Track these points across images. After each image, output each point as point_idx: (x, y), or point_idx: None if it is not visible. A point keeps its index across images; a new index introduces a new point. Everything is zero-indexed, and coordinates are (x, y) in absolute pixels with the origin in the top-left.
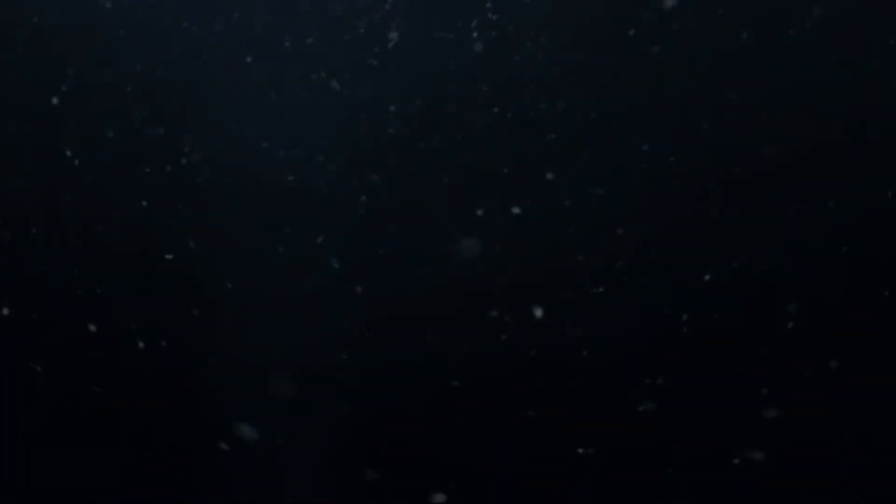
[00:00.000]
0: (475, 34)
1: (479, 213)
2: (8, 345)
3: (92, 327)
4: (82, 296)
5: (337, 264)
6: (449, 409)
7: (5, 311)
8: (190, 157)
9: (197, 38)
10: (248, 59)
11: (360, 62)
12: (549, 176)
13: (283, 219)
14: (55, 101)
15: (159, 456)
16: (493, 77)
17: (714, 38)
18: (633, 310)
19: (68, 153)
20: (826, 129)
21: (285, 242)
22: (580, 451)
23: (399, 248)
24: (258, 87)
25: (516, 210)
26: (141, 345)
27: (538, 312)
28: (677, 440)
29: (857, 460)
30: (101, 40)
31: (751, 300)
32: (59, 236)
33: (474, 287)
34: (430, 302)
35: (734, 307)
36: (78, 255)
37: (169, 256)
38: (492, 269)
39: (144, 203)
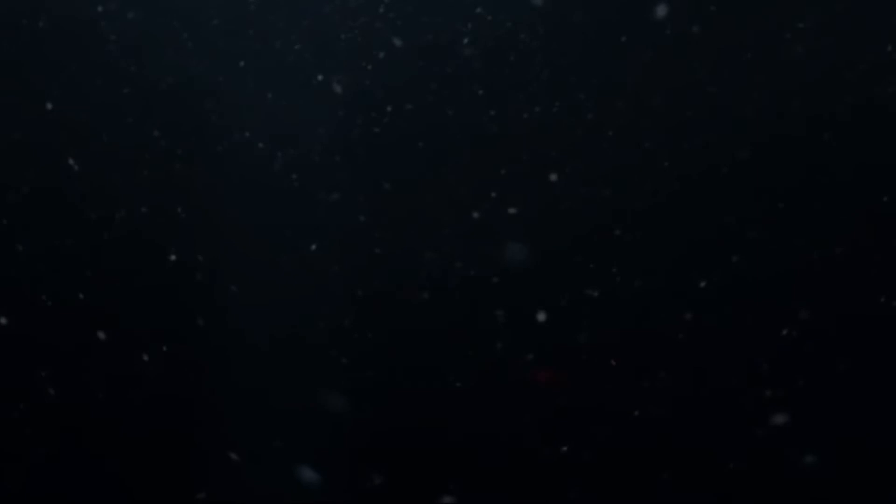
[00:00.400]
0: (468, 38)
1: (475, 214)
2: (8, 354)
3: (89, 334)
4: (84, 303)
5: (337, 266)
6: (451, 411)
7: (3, 321)
8: (186, 161)
9: (189, 41)
10: (242, 63)
11: (356, 64)
12: (552, 177)
13: (281, 221)
14: (49, 105)
15: (163, 458)
16: (488, 80)
17: (705, 44)
18: (632, 312)
19: (65, 158)
20: (822, 131)
21: (285, 244)
22: (582, 454)
23: (398, 250)
24: (254, 89)
25: (512, 210)
26: (146, 351)
27: (536, 314)
28: (679, 445)
29: (862, 465)
30: (92, 44)
31: (753, 303)
32: (57, 242)
33: (473, 289)
34: (430, 304)
35: (737, 310)
36: (76, 263)
37: (172, 258)
38: (490, 271)
39: (144, 209)
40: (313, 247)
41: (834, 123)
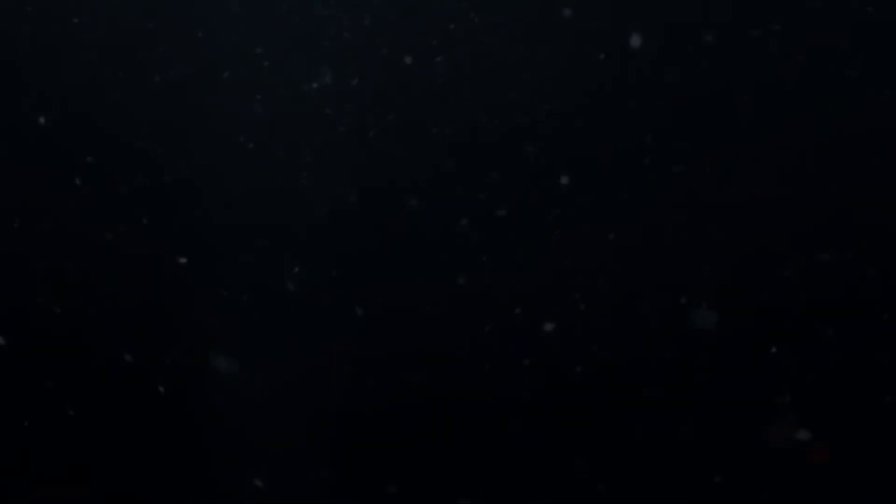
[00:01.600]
0: (459, 42)
1: (464, 221)
2: (16, 369)
3: (103, 352)
4: (93, 316)
5: (336, 273)
6: (456, 416)
7: (2, 341)
8: (180, 170)
9: (174, 49)
10: (226, 74)
11: (346, 70)
12: (548, 181)
13: (275, 226)
14: (42, 120)
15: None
16: (478, 84)
17: (684, 70)
18: (628, 320)
19: (65, 172)
20: (809, 138)
21: (279, 250)
22: (591, 458)
23: (394, 255)
24: (241, 95)
25: (501, 212)
26: (162, 373)
27: (531, 321)
28: (684, 450)
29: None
30: (75, 54)
31: (755, 310)
32: (57, 257)
33: (468, 295)
34: (431, 308)
35: (740, 317)
36: (79, 276)
37: (175, 267)
38: (483, 277)
39: (145, 220)
40: (307, 254)
41: (829, 130)
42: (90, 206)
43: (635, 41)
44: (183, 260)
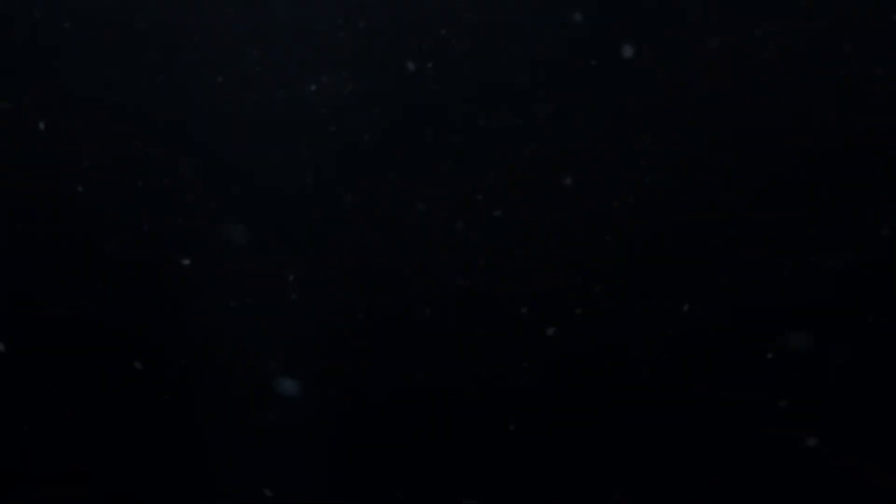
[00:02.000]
0: (452, 46)
1: (460, 223)
2: (19, 376)
3: (111, 360)
4: (99, 323)
5: (333, 274)
6: (460, 419)
7: (1, 347)
8: (177, 171)
9: (173, 50)
10: (220, 79)
11: (340, 70)
12: (546, 182)
13: (271, 230)
14: (42, 125)
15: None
16: (473, 88)
17: (684, 70)
18: (628, 321)
19: (65, 179)
20: (809, 138)
21: (282, 252)
22: (594, 458)
23: (394, 255)
24: (239, 100)
25: (497, 213)
26: (170, 383)
27: (530, 322)
28: (686, 451)
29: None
30: (74, 55)
31: (755, 310)
32: (59, 263)
33: (468, 295)
34: (431, 314)
35: (739, 317)
36: (80, 283)
37: (186, 262)
38: (483, 277)
39: (146, 225)
40: (306, 255)
41: (829, 130)
42: (92, 213)
43: (635, 41)
44: (186, 262)
